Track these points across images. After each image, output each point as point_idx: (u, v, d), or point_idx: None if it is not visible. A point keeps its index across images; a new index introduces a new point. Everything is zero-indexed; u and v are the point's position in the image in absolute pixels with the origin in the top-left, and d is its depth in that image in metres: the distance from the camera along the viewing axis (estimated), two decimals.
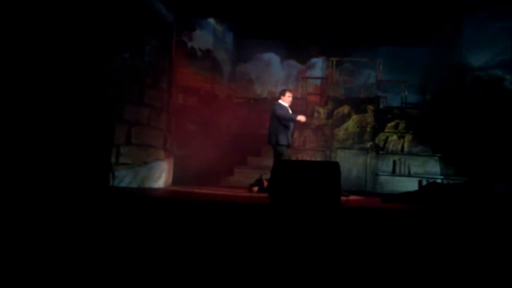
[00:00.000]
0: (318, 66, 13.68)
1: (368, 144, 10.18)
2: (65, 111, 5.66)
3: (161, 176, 7.28)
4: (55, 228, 2.65)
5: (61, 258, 1.88)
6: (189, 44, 11.27)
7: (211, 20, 11.95)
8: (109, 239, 2.42)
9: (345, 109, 10.88)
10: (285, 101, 7.03)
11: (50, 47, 5.53)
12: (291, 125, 6.94)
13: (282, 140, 6.81)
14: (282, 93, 7.13)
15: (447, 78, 11.46)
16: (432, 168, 9.70)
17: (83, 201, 4.35)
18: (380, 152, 9.97)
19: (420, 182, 8.47)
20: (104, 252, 2.05)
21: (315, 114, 11.05)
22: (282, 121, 6.80)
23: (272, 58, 13.87)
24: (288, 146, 6.93)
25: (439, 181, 8.56)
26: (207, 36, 11.84)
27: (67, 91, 5.72)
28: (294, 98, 12.36)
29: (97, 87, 6.17)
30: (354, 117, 10.70)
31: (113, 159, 6.47)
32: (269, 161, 7.78)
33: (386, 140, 10.27)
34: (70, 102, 5.75)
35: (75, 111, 5.78)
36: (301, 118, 6.86)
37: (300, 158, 9.57)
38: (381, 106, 11.28)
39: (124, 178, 6.58)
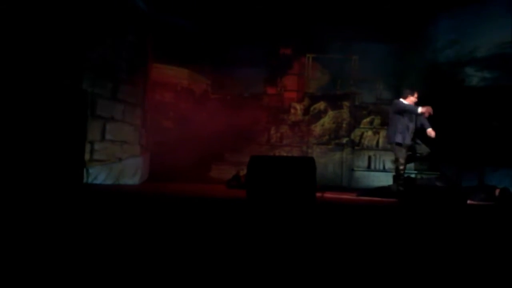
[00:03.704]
0: (295, 62, 13.72)
1: (344, 140, 10.30)
2: (34, 106, 5.51)
3: (136, 173, 7.19)
4: (24, 226, 2.59)
5: (31, 257, 1.84)
6: (166, 40, 11.13)
7: (189, 18, 11.85)
8: (82, 236, 2.38)
9: (321, 105, 10.96)
10: (410, 101, 6.51)
11: (18, 40, 5.37)
12: (411, 125, 6.48)
13: (398, 138, 6.43)
14: (410, 93, 6.59)
15: (420, 74, 11.69)
16: None
17: (54, 199, 4.26)
18: (356, 147, 10.10)
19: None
20: (76, 249, 2.01)
21: (292, 110, 11.10)
22: (404, 113, 6.35)
23: (250, 54, 13.84)
24: (404, 145, 6.47)
25: (413, 176, 8.72)
26: (185, 32, 11.73)
27: (37, 87, 5.57)
28: (272, 94, 12.39)
29: (70, 82, 6.03)
30: (330, 113, 10.80)
31: (87, 156, 6.33)
32: (246, 157, 7.78)
33: (361, 136, 10.41)
34: (40, 97, 5.60)
35: (45, 106, 5.63)
36: (423, 109, 6.17)
37: (277, 154, 9.61)
38: (357, 102, 11.40)
39: (99, 175, 6.48)
